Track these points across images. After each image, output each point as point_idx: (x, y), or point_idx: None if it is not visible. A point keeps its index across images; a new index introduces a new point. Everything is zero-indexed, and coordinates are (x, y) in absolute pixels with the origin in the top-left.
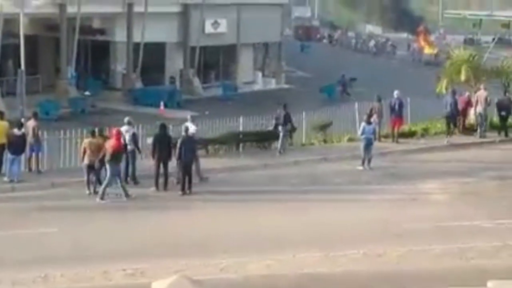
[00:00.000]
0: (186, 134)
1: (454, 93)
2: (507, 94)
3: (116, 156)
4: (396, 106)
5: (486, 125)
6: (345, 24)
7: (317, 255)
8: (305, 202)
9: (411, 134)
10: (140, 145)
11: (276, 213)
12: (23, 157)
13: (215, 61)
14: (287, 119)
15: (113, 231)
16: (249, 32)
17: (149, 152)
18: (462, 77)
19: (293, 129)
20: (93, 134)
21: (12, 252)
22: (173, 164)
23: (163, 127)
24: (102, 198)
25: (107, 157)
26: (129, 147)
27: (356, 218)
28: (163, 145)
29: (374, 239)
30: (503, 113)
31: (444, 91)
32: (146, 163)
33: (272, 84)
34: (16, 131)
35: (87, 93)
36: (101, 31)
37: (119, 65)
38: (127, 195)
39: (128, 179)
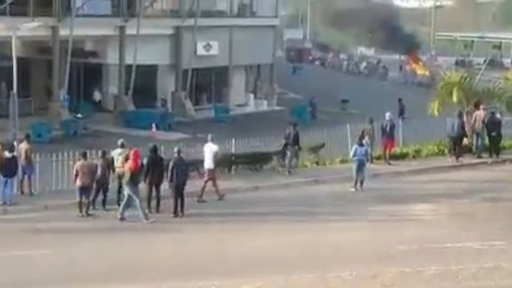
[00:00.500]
0: (178, 156)
1: (461, 114)
2: (496, 115)
3: (134, 177)
4: (388, 128)
5: (482, 145)
6: (337, 46)
7: (310, 277)
8: (297, 224)
9: (403, 156)
10: None
11: (268, 235)
12: (15, 179)
13: (207, 83)
14: (296, 139)
15: (106, 253)
16: (241, 54)
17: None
18: (454, 99)
19: (299, 149)
20: (85, 156)
21: (6, 274)
22: (165, 186)
23: (155, 149)
24: (122, 219)
25: (125, 179)
26: (122, 169)
27: (349, 240)
28: (155, 168)
29: (367, 260)
30: (493, 133)
31: (436, 112)
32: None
33: (264, 106)
34: (7, 153)
35: (79, 115)
36: (93, 54)
37: (111, 88)
38: (146, 217)
39: (120, 202)
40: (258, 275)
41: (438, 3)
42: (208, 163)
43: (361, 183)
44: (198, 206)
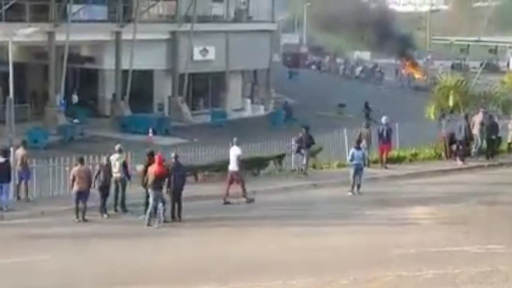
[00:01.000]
0: (175, 161)
1: (467, 117)
2: (494, 118)
3: (158, 181)
4: (384, 132)
5: (480, 148)
6: (333, 50)
7: (308, 281)
8: (295, 228)
9: (399, 160)
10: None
11: (266, 239)
12: (11, 185)
13: (204, 88)
14: (309, 141)
15: (103, 258)
16: (237, 59)
17: (138, 180)
18: (450, 103)
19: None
20: (81, 161)
21: (4, 281)
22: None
23: (152, 154)
24: (149, 224)
25: (149, 183)
26: (119, 175)
27: (347, 244)
28: None
29: (364, 264)
30: (493, 137)
31: (432, 116)
32: (135, 190)
33: (261, 111)
34: (0, 158)
35: (75, 120)
36: (90, 59)
37: (108, 92)
38: (165, 221)
39: (117, 207)
40: (257, 280)
41: (433, 7)
42: (232, 166)
43: (358, 187)
44: (194, 212)
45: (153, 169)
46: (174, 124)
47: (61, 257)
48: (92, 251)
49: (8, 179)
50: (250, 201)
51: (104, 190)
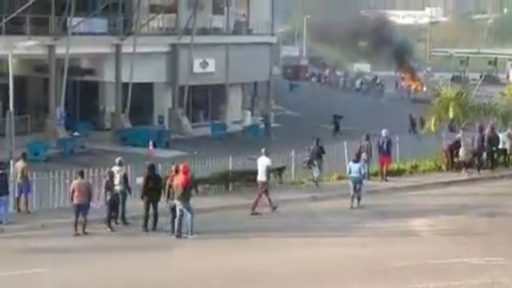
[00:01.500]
0: (175, 174)
1: (481, 128)
2: (495, 130)
3: (186, 191)
4: (384, 145)
5: (481, 161)
6: (333, 63)
7: None
8: (295, 239)
9: (400, 172)
10: (130, 185)
11: (266, 251)
12: (11, 198)
13: (204, 100)
14: (319, 153)
15: (101, 271)
16: (237, 72)
17: (138, 192)
18: (450, 115)
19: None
20: (81, 174)
21: None
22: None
23: (152, 167)
24: (178, 236)
25: (178, 194)
26: (119, 187)
27: (346, 256)
28: (153, 186)
29: (364, 277)
30: (494, 148)
31: (433, 128)
32: (135, 203)
33: (261, 123)
34: None
35: (76, 133)
36: (90, 72)
37: (108, 105)
38: (192, 233)
39: (118, 220)
40: None
41: (433, 20)
42: (261, 176)
43: (358, 199)
44: (198, 223)
45: (179, 180)
46: (174, 137)
47: (61, 271)
48: (92, 264)
49: (6, 191)
50: (274, 208)
51: (115, 203)
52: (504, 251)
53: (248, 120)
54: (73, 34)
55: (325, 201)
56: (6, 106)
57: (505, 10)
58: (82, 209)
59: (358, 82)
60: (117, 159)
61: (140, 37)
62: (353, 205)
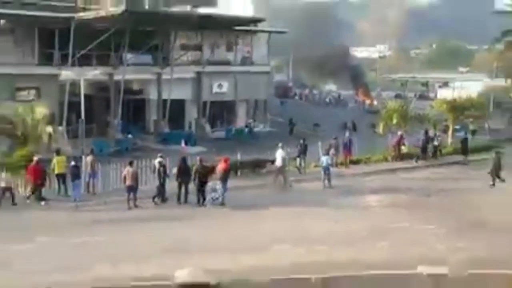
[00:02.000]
0: (200, 164)
1: (426, 132)
2: (429, 132)
3: (225, 174)
4: (347, 143)
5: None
6: (311, 85)
7: (296, 250)
8: (285, 209)
9: (358, 162)
10: (168, 172)
11: (267, 220)
12: (81, 182)
13: (219, 112)
14: (304, 150)
15: (148, 236)
16: (243, 92)
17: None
18: (394, 121)
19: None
20: (131, 164)
21: (74, 256)
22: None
23: (184, 159)
24: (223, 204)
25: (220, 176)
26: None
27: (318, 223)
28: (184, 172)
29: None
30: (428, 145)
31: (381, 131)
32: (172, 185)
33: (260, 128)
34: (72, 163)
35: (129, 135)
36: (139, 92)
37: (152, 116)
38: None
39: (156, 198)
40: (263, 249)
41: (381, 54)
42: (278, 163)
43: (329, 181)
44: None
45: (221, 166)
46: (199, 138)
47: (118, 235)
48: (143, 229)
49: (78, 178)
50: (290, 185)
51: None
52: (434, 221)
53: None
54: (128, 65)
55: (305, 183)
56: (78, 116)
57: (433, 46)
58: (132, 189)
59: (328, 99)
60: (159, 154)
61: (174, 67)
62: (325, 185)
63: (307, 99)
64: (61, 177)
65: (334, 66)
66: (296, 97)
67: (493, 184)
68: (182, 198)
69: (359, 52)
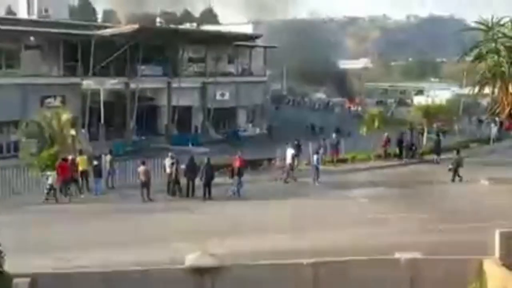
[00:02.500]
0: (206, 162)
1: (411, 132)
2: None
3: (241, 170)
4: (335, 143)
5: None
6: (302, 92)
7: (289, 236)
8: (281, 199)
9: (344, 160)
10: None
11: (267, 207)
12: (102, 179)
13: (222, 117)
14: (298, 150)
15: (158, 223)
16: (243, 99)
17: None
18: (375, 125)
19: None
20: (143, 163)
21: (100, 238)
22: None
23: (192, 158)
24: (239, 193)
25: (236, 172)
26: (170, 170)
27: (310, 211)
28: (192, 169)
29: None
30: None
31: (364, 133)
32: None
33: (258, 131)
34: (95, 162)
35: (143, 137)
36: (152, 99)
37: (163, 120)
38: (239, 194)
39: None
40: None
41: (365, 66)
42: (287, 159)
43: (318, 177)
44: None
45: (237, 162)
46: (204, 140)
47: (135, 221)
48: (157, 218)
49: (100, 175)
50: (295, 180)
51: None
52: (407, 209)
53: (250, 130)
54: (141, 76)
55: (298, 178)
56: (99, 120)
57: (410, 59)
58: (145, 185)
59: (317, 105)
60: (170, 153)
61: (182, 77)
62: (313, 180)
63: (299, 105)
64: (83, 173)
65: (323, 76)
66: (290, 103)
67: (453, 180)
68: (190, 193)
69: (347, 64)
